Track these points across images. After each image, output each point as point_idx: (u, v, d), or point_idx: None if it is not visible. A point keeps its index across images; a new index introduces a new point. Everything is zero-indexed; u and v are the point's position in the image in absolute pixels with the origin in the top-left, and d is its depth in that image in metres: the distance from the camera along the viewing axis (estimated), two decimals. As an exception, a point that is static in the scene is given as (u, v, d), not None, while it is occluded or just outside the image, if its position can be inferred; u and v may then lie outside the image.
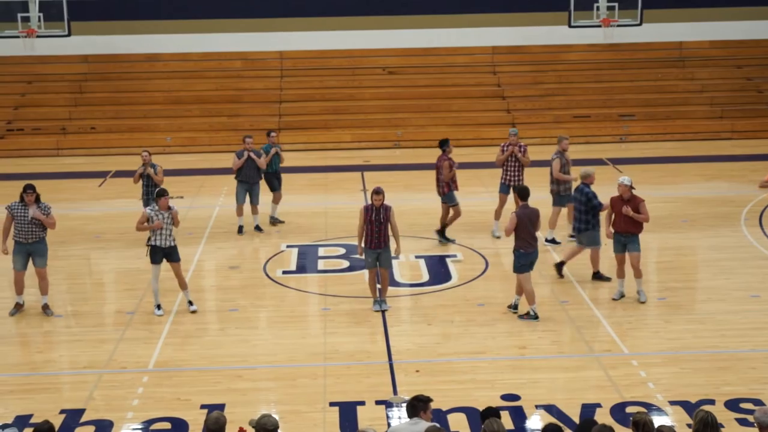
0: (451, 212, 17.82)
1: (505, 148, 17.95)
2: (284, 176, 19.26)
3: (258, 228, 18.72)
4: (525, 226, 13.76)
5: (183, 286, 14.62)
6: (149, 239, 14.35)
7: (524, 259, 13.89)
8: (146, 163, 17.82)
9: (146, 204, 17.63)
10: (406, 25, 30.52)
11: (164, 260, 14.33)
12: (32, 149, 27.23)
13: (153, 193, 17.57)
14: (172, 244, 14.37)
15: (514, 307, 14.30)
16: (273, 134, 19.27)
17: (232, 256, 17.63)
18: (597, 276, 15.64)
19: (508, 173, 17.88)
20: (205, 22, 30.26)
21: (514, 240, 13.93)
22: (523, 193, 14.18)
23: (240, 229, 18.59)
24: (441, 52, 30.64)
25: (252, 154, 18.41)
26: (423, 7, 30.49)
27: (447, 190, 17.61)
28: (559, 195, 17.39)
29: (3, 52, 28.78)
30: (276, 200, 19.18)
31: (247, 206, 18.57)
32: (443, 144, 17.81)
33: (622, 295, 14.72)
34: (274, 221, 19.16)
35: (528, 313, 14.07)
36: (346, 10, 30.39)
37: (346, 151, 26.47)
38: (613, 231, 14.63)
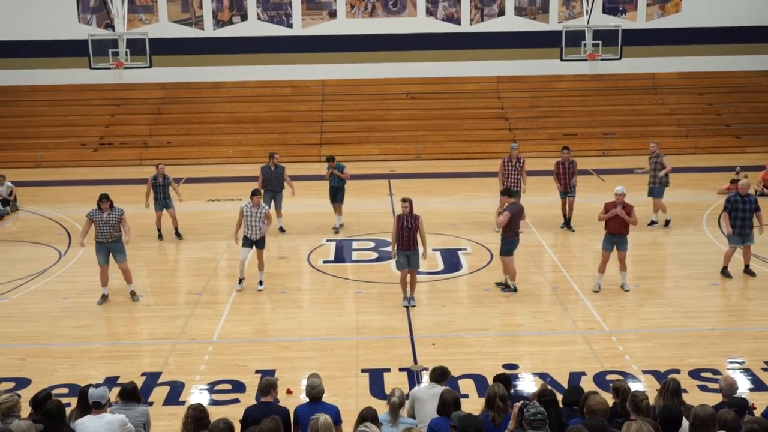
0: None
1: (506, 163, 17.88)
2: (326, 183, 18.88)
3: (281, 229, 18.52)
4: (515, 219, 14.07)
5: (260, 267, 14.93)
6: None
7: (511, 245, 14.21)
8: (159, 174, 17.71)
9: (158, 208, 17.80)
10: (425, 59, 30.51)
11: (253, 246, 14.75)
12: (120, 160, 27.43)
13: (162, 198, 17.68)
14: (260, 236, 14.67)
15: (504, 285, 14.61)
16: (330, 160, 18.57)
17: (282, 249, 17.65)
18: (747, 270, 15.25)
19: (509, 180, 17.80)
20: (261, 56, 30.37)
21: (502, 230, 14.20)
22: (510, 193, 14.76)
23: None
24: (454, 81, 30.57)
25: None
26: (440, 43, 30.47)
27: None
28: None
29: (97, 81, 29.03)
30: (338, 211, 18.77)
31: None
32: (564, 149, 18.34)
33: (600, 287, 14.56)
34: (334, 229, 18.68)
35: (508, 286, 14.45)
36: (375, 46, 30.41)
37: (375, 162, 26.47)
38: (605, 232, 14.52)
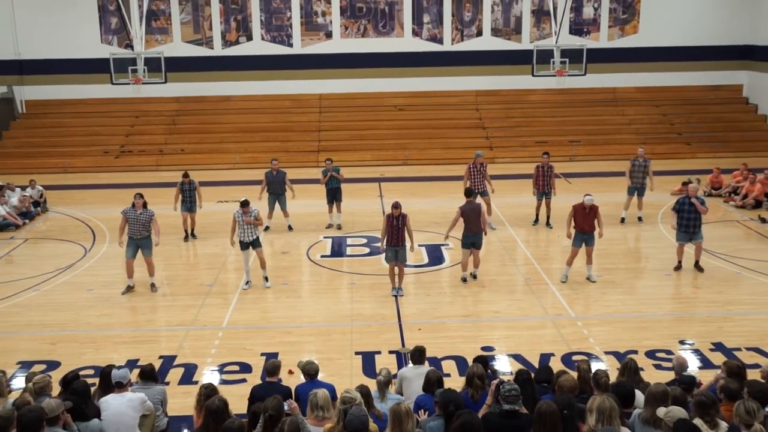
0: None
1: (471, 168, 17.87)
2: (322, 187, 18.92)
3: (290, 227, 18.55)
4: (469, 217, 14.25)
5: (263, 265, 14.68)
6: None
7: (468, 240, 14.38)
8: (186, 181, 17.72)
9: (186, 210, 17.78)
10: (412, 75, 30.49)
11: (250, 248, 14.50)
12: (138, 166, 27.32)
13: (188, 201, 17.70)
14: (254, 237, 14.47)
15: (472, 276, 14.69)
16: (328, 161, 18.66)
17: (284, 245, 17.66)
18: (697, 265, 15.20)
19: (475, 182, 17.80)
20: (265, 72, 30.30)
21: (463, 225, 14.37)
22: (468, 193, 14.94)
23: (266, 228, 18.29)
24: (438, 95, 30.58)
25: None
26: (424, 61, 30.43)
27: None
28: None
29: (118, 95, 28.91)
30: (337, 209, 18.70)
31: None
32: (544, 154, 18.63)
33: (567, 278, 14.67)
34: (337, 226, 18.64)
35: (467, 276, 14.58)
36: (367, 64, 30.39)
37: (367, 167, 26.45)
38: (574, 230, 14.56)
